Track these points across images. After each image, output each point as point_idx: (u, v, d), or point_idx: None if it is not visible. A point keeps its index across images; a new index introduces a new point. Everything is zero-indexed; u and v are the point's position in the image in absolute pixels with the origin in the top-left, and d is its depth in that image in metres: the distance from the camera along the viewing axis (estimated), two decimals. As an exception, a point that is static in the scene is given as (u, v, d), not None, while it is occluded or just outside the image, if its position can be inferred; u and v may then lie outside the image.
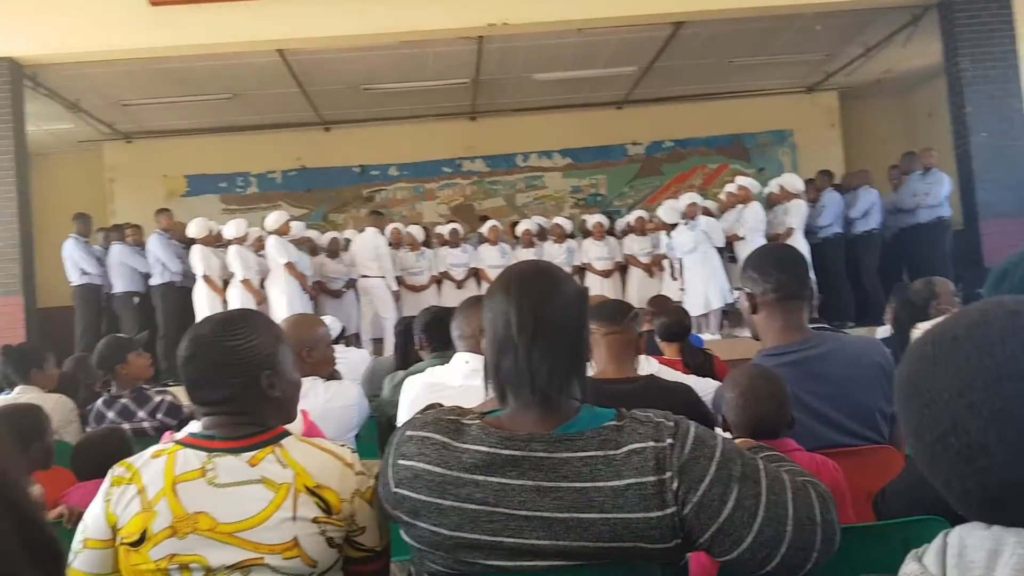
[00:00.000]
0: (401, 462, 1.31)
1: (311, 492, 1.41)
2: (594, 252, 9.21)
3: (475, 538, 1.25)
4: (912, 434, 0.78)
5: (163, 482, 1.41)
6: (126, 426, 3.62)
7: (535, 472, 1.24)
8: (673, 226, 8.49)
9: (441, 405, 1.44)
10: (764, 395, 1.88)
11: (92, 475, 2.46)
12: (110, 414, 3.73)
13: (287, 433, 1.50)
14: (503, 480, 1.24)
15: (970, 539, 0.75)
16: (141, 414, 3.73)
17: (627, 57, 9.50)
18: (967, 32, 8.06)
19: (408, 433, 1.34)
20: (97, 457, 2.48)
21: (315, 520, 1.40)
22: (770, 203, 8.82)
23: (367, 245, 8.75)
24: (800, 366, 2.05)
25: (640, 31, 8.57)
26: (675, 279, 8.54)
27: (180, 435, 1.54)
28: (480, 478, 1.25)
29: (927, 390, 0.75)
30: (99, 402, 3.80)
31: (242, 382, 1.47)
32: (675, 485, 1.20)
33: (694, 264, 8.29)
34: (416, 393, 2.46)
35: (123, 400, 3.75)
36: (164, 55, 7.99)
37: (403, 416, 2.52)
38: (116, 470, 1.47)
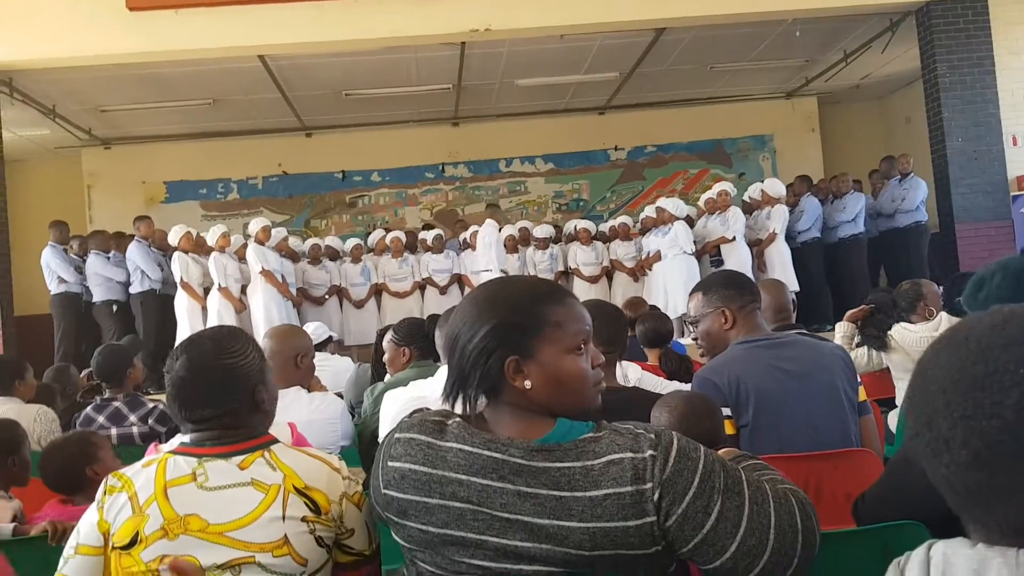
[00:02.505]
0: (390, 464, 1.34)
1: (300, 493, 1.47)
2: (582, 257, 9.24)
3: (461, 535, 1.27)
4: (908, 416, 0.80)
5: (154, 488, 1.46)
6: (114, 431, 3.59)
7: (515, 477, 1.26)
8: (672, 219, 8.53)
9: (428, 409, 1.45)
10: (704, 413, 1.90)
11: (58, 482, 2.45)
12: (100, 418, 3.67)
13: (276, 440, 1.56)
14: (485, 481, 1.26)
15: (955, 557, 0.74)
16: (132, 418, 3.68)
17: (609, 63, 9.55)
18: (944, 39, 8.16)
19: (396, 436, 1.37)
20: (61, 462, 2.45)
21: (304, 519, 1.46)
22: (750, 208, 8.88)
23: (480, 238, 8.64)
24: (772, 348, 2.35)
25: (622, 37, 8.62)
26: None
27: (169, 446, 1.59)
28: (464, 477, 1.27)
29: (925, 380, 0.77)
30: (89, 408, 3.75)
31: (239, 398, 1.54)
32: (656, 497, 1.21)
33: (666, 269, 8.37)
34: (399, 409, 2.43)
35: (116, 403, 3.71)
36: (143, 61, 7.92)
37: (385, 431, 2.49)
38: (109, 480, 1.52)
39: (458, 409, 1.36)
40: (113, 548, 1.46)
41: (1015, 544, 0.71)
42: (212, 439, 1.53)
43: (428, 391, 2.41)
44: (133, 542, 1.43)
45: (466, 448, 1.29)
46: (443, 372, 2.45)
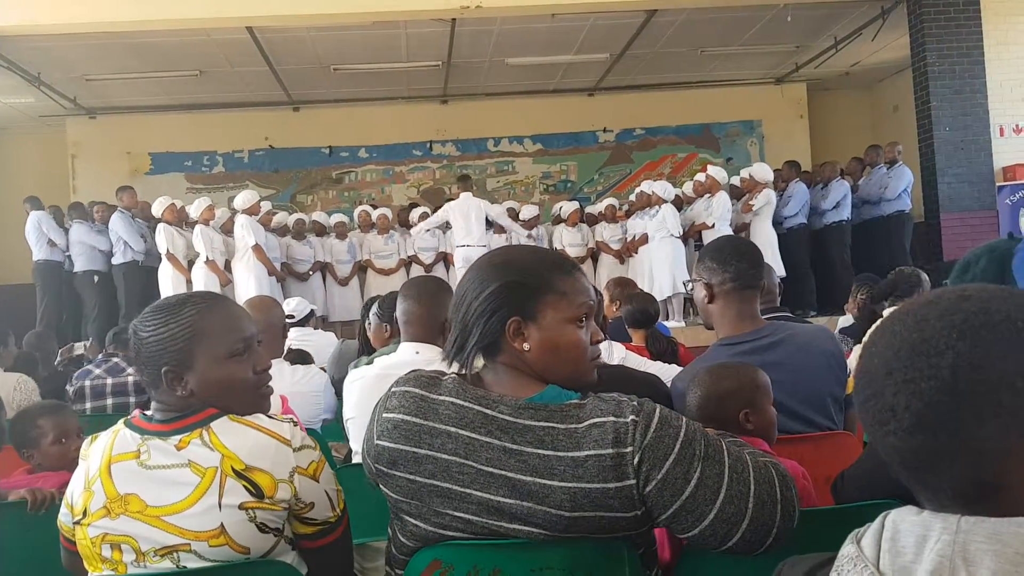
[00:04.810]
0: (385, 415, 1.37)
1: (239, 475, 1.38)
2: (567, 238, 9.25)
3: (447, 487, 1.30)
4: (857, 392, 0.83)
5: (101, 462, 1.42)
6: (109, 380, 3.95)
7: (501, 433, 1.29)
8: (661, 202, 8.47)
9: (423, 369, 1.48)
10: (729, 392, 1.90)
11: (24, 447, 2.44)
12: (97, 370, 4.01)
13: (219, 415, 1.45)
14: (472, 435, 1.30)
15: (903, 524, 0.76)
16: (130, 370, 3.94)
17: (600, 44, 9.51)
18: (935, 28, 8.18)
19: (393, 389, 1.41)
20: (25, 430, 2.44)
21: (242, 506, 1.38)
22: (739, 193, 8.89)
23: (464, 209, 8.37)
24: (754, 355, 2.14)
25: (613, 18, 8.58)
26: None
27: (132, 414, 1.51)
28: (453, 430, 1.31)
29: (870, 356, 0.80)
30: (90, 364, 4.10)
31: (148, 372, 1.46)
32: (636, 461, 1.24)
33: (653, 251, 8.38)
34: (364, 387, 2.34)
35: (116, 359, 4.06)
36: (130, 29, 7.81)
37: (349, 411, 2.43)
38: (84, 446, 1.50)
39: (455, 369, 1.40)
40: (75, 521, 1.44)
41: (960, 511, 0.73)
42: (157, 411, 1.47)
43: (395, 369, 2.23)
44: (83, 516, 1.41)
45: (457, 401, 1.33)
46: (405, 347, 2.39)
